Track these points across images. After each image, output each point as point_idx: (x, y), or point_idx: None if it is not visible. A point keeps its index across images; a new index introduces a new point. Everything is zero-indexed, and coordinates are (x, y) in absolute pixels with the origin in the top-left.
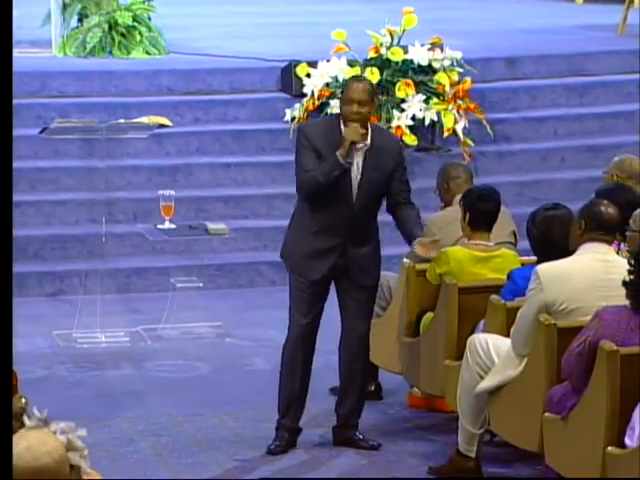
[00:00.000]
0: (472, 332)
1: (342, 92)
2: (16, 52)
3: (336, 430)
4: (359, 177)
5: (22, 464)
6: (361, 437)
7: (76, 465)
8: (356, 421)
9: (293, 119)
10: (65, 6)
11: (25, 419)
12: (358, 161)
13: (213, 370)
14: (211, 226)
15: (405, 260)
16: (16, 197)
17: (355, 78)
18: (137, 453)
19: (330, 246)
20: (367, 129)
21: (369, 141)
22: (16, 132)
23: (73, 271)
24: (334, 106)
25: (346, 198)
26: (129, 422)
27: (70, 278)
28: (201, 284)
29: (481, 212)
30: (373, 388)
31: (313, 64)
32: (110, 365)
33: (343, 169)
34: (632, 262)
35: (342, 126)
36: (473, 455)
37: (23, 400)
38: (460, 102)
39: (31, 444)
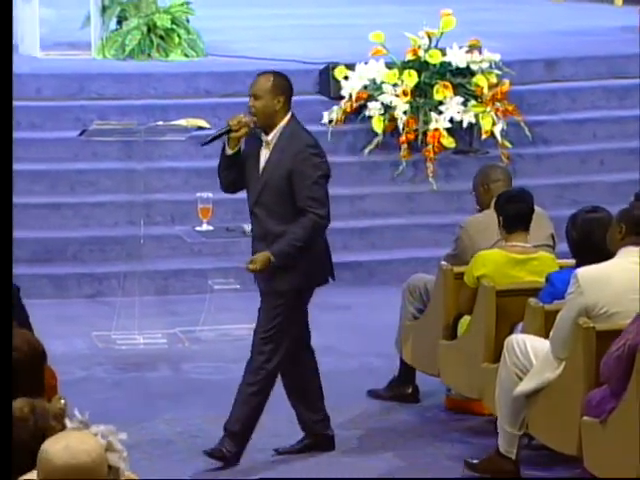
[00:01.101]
0: (510, 335)
1: None
2: (56, 54)
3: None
4: (260, 176)
5: (60, 462)
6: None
7: (115, 466)
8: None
9: (331, 122)
10: (104, 8)
11: (67, 421)
12: (264, 159)
13: None
14: (248, 228)
15: (443, 263)
16: (55, 199)
17: (260, 72)
18: (175, 455)
19: (252, 251)
20: (271, 123)
21: (270, 139)
22: (55, 134)
23: (112, 273)
24: (372, 108)
25: (251, 196)
26: (167, 424)
27: (109, 280)
28: (238, 286)
29: (513, 213)
30: (410, 390)
31: (351, 66)
32: (148, 367)
33: (225, 156)
34: None
35: None
36: (513, 457)
37: (62, 401)
38: (498, 104)
39: (70, 443)
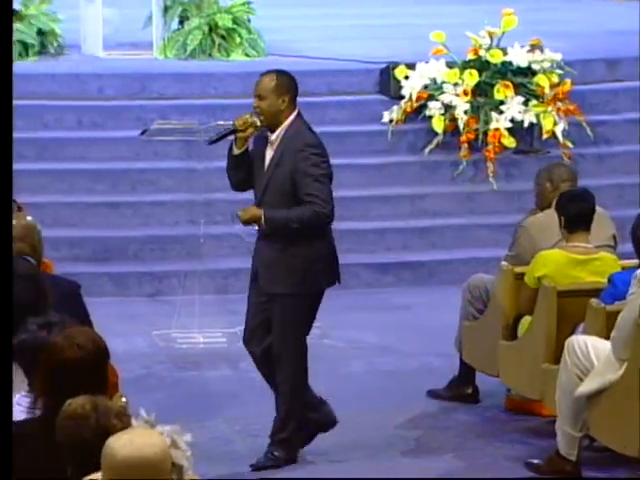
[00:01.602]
0: (571, 335)
1: None
2: (118, 54)
3: None
4: (264, 175)
5: (124, 455)
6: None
7: (178, 464)
8: (273, 438)
9: (391, 121)
10: (166, 9)
11: (133, 420)
12: (268, 159)
13: (310, 371)
14: None
15: (503, 263)
16: (116, 198)
17: (264, 72)
18: (234, 454)
19: (255, 249)
20: (276, 123)
21: (273, 139)
22: (116, 134)
23: (172, 272)
24: (432, 108)
25: (257, 195)
26: (226, 423)
27: (169, 279)
28: None
29: (575, 213)
30: (470, 391)
31: (411, 66)
32: (208, 365)
33: (232, 156)
34: None
35: None
36: (574, 458)
37: (123, 399)
38: (560, 104)
39: (134, 438)
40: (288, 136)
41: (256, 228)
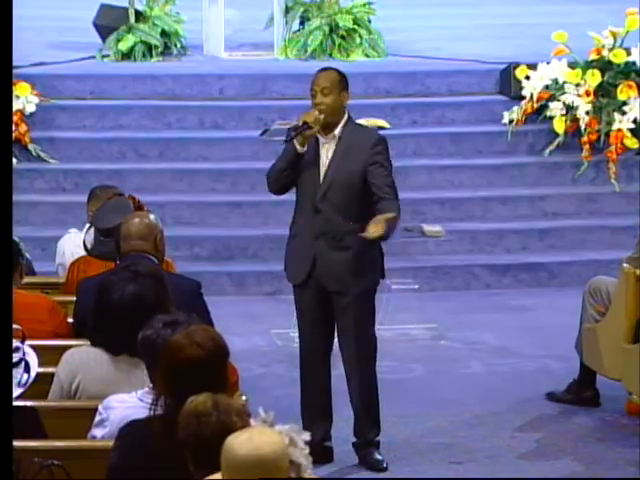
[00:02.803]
0: None
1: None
2: (239, 55)
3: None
4: (326, 172)
5: (243, 452)
6: (375, 457)
7: (296, 462)
8: (368, 438)
9: (511, 122)
10: (287, 9)
11: (252, 419)
12: (327, 156)
13: (428, 372)
14: (427, 228)
15: (625, 265)
16: (237, 197)
17: (321, 68)
18: (351, 453)
19: (304, 248)
20: (337, 119)
21: (337, 134)
22: (237, 134)
23: None
24: (553, 108)
25: (313, 195)
26: (345, 421)
27: None
28: (417, 286)
29: None
30: (590, 394)
31: (533, 66)
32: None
33: (294, 154)
34: None
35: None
36: None
37: (243, 397)
38: None
39: (253, 435)
40: (351, 131)
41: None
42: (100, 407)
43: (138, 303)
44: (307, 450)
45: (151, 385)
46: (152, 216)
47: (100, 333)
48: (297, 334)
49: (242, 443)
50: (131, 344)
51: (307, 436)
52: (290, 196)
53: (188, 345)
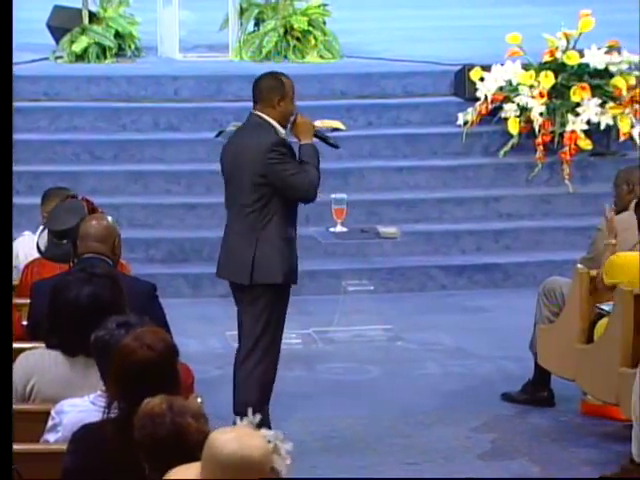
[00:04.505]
0: None
1: (286, 92)
2: (194, 56)
3: None
4: None
5: (229, 451)
6: None
7: (277, 469)
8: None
9: (466, 123)
10: (242, 11)
11: (238, 420)
12: None
13: (384, 373)
14: (383, 229)
15: (579, 266)
16: (192, 199)
17: (284, 74)
18: (307, 454)
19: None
20: None
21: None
22: (192, 135)
23: None
24: (508, 110)
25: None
26: (301, 423)
27: None
28: (372, 287)
29: None
30: (545, 394)
31: (487, 68)
32: (282, 366)
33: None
34: None
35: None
36: None
37: (199, 399)
38: (637, 106)
39: (240, 435)
40: None
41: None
42: (53, 412)
43: (94, 303)
44: (289, 460)
45: (104, 388)
46: (110, 218)
47: (55, 334)
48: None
49: (228, 441)
50: (87, 345)
51: (290, 446)
52: None
53: (139, 347)
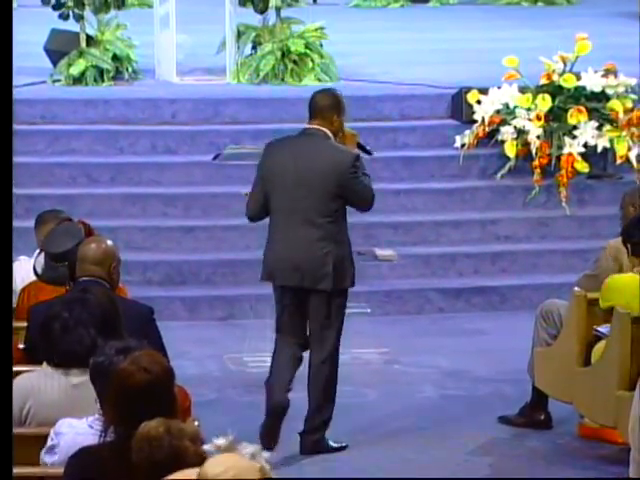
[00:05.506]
0: None
1: (341, 108)
2: (191, 79)
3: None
4: None
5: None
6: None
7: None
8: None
9: (463, 146)
10: (239, 34)
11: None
12: None
13: (381, 396)
14: (380, 252)
15: (575, 289)
16: (189, 222)
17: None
18: (306, 475)
19: None
20: None
21: None
22: (190, 158)
23: (243, 296)
24: (505, 133)
25: None
26: (298, 445)
27: (240, 303)
28: (369, 310)
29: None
30: (543, 417)
31: (484, 91)
32: None
33: None
34: None
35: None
36: None
37: (196, 423)
38: (634, 129)
39: (232, 465)
40: None
41: None
42: (52, 431)
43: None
44: (272, 474)
45: (101, 412)
46: (110, 242)
47: (48, 348)
48: (250, 358)
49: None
50: (81, 356)
51: (267, 454)
52: (243, 220)
53: (136, 371)
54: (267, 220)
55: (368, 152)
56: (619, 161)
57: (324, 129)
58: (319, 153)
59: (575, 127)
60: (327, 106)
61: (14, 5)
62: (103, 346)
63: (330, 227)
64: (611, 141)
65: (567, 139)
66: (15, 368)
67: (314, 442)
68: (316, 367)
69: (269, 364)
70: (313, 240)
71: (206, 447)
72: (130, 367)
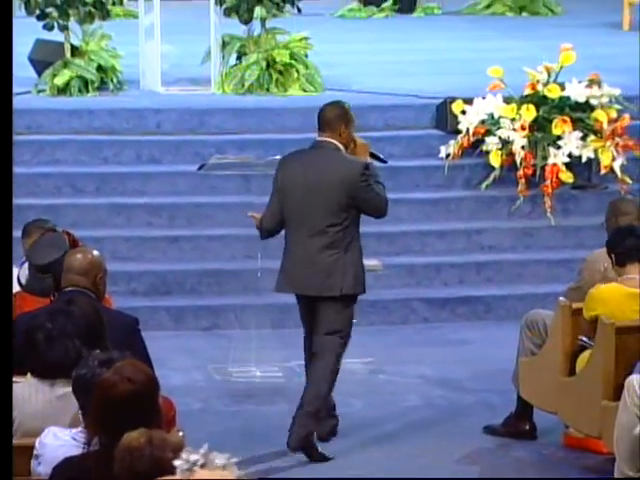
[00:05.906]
0: (631, 372)
1: (349, 119)
2: (176, 90)
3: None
4: None
5: None
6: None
7: None
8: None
9: (447, 156)
10: (224, 44)
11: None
12: None
13: (366, 406)
14: (365, 262)
15: (561, 299)
16: (174, 232)
17: None
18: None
19: None
20: None
21: None
22: (175, 168)
23: (228, 306)
24: (489, 143)
25: None
26: (282, 456)
27: (225, 313)
28: (354, 320)
29: (626, 247)
30: (528, 427)
31: (468, 101)
32: (265, 400)
33: None
34: None
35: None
36: None
37: (180, 433)
38: (618, 139)
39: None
40: None
41: None
42: (37, 441)
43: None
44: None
45: (84, 425)
46: (96, 253)
47: (32, 358)
48: (235, 369)
49: None
50: (66, 367)
51: (234, 460)
52: (227, 230)
53: (119, 381)
54: (250, 231)
55: (382, 160)
56: (603, 171)
57: (334, 141)
58: (329, 165)
59: (559, 137)
60: (334, 118)
61: None
62: (86, 358)
63: (340, 235)
64: (595, 151)
65: (552, 149)
66: None
67: (303, 437)
68: (317, 374)
69: (254, 374)
70: (322, 248)
71: (177, 463)
72: (113, 377)
